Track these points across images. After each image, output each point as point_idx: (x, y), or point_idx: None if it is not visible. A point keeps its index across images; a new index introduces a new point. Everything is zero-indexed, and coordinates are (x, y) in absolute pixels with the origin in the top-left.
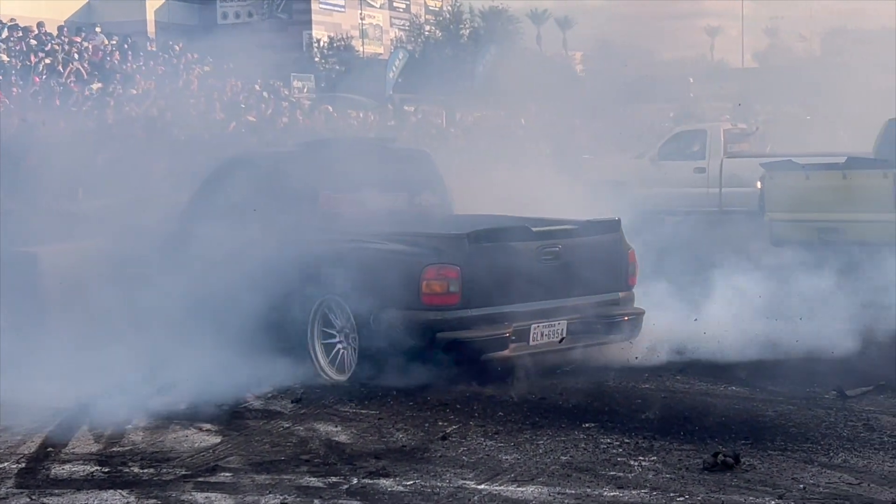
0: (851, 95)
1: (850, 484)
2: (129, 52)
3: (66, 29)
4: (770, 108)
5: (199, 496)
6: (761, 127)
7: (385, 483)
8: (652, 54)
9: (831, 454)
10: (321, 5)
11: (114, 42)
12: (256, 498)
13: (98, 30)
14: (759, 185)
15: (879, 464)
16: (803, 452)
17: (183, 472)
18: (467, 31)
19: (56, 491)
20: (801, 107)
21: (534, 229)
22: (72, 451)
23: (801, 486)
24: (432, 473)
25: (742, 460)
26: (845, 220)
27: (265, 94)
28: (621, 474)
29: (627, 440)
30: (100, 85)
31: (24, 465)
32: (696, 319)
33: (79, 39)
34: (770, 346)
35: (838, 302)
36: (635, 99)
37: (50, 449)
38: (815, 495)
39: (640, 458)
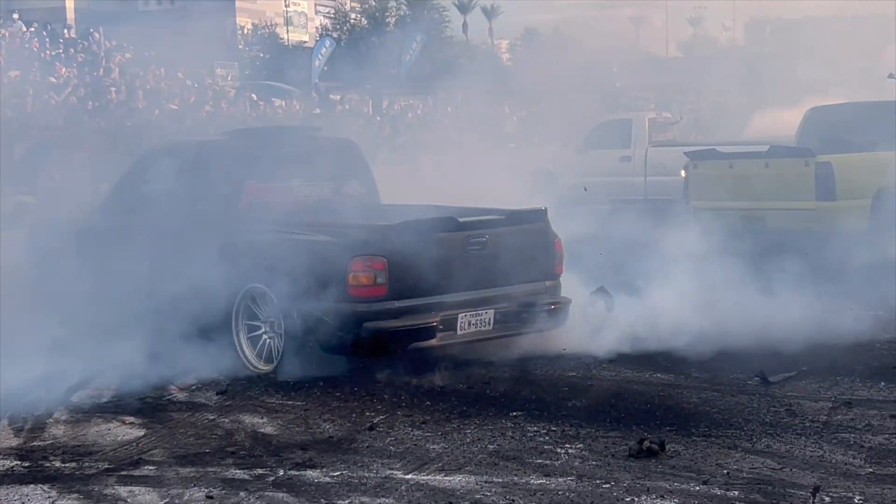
0: (774, 84)
1: (772, 469)
2: (48, 40)
3: None
4: (693, 98)
5: (123, 490)
6: (685, 116)
7: (312, 474)
8: (578, 44)
9: (754, 440)
10: None
11: (32, 29)
12: (181, 491)
13: (16, 17)
14: (683, 173)
15: (801, 449)
16: (727, 438)
17: (106, 466)
18: (393, 19)
19: None
20: (726, 96)
21: (460, 219)
22: None
23: (725, 471)
24: (359, 464)
25: (667, 447)
26: (768, 208)
27: (188, 82)
28: (548, 462)
29: (554, 428)
30: (17, 73)
31: None
32: (620, 308)
33: None
34: (695, 334)
35: (762, 290)
36: (561, 88)
37: None
38: (738, 480)
39: (567, 445)
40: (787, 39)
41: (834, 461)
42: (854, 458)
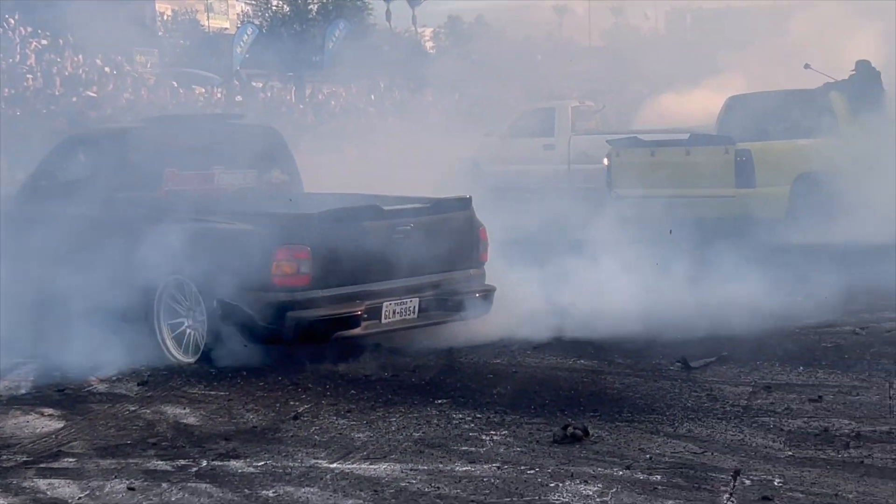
0: (696, 73)
1: (694, 453)
2: None
3: None
4: (617, 87)
5: (42, 482)
6: (608, 105)
7: (235, 465)
8: (501, 33)
9: (676, 424)
10: None
11: None
12: (101, 483)
13: None
14: (605, 161)
15: (722, 433)
16: (649, 423)
17: (24, 459)
18: (315, 6)
19: None
20: (647, 85)
21: (385, 208)
22: None
23: (648, 456)
24: (284, 454)
25: (591, 432)
26: (689, 195)
27: (107, 69)
28: (473, 449)
29: (479, 415)
30: None
31: None
32: (545, 295)
33: None
34: (618, 321)
35: (684, 276)
36: (485, 76)
37: None
38: (660, 465)
39: (492, 432)
40: (709, 28)
41: (754, 445)
42: (773, 441)
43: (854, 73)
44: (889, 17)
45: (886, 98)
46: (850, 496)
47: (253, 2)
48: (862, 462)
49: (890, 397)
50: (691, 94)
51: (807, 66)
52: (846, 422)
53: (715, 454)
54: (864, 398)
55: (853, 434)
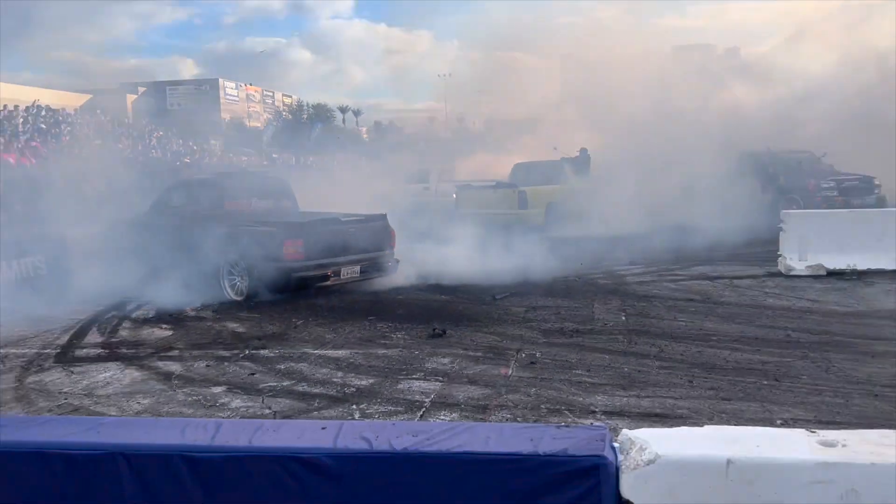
0: (498, 152)
1: (498, 340)
2: None
3: None
4: (461, 155)
5: (160, 363)
6: (456, 166)
7: (263, 352)
8: (403, 129)
9: (490, 326)
10: (227, 98)
11: None
12: (192, 363)
13: None
14: (455, 196)
15: (511, 330)
16: (476, 327)
17: (150, 351)
18: (305, 115)
19: (78, 365)
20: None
21: (342, 219)
22: (87, 342)
23: (475, 342)
24: (289, 346)
25: (447, 332)
26: (496, 213)
27: (195, 146)
28: (387, 341)
29: (390, 324)
30: None
31: (58, 350)
32: (423, 260)
33: None
34: (461, 275)
35: (495, 252)
36: (394, 153)
37: (74, 341)
38: (481, 347)
39: (397, 333)
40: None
41: (527, 336)
42: (537, 334)
43: (578, 154)
44: (602, 126)
45: (591, 166)
46: (574, 360)
47: (272, 111)
48: (579, 344)
49: (592, 311)
50: (497, 160)
51: (555, 149)
52: (571, 324)
53: (508, 341)
54: (580, 312)
55: (574, 330)
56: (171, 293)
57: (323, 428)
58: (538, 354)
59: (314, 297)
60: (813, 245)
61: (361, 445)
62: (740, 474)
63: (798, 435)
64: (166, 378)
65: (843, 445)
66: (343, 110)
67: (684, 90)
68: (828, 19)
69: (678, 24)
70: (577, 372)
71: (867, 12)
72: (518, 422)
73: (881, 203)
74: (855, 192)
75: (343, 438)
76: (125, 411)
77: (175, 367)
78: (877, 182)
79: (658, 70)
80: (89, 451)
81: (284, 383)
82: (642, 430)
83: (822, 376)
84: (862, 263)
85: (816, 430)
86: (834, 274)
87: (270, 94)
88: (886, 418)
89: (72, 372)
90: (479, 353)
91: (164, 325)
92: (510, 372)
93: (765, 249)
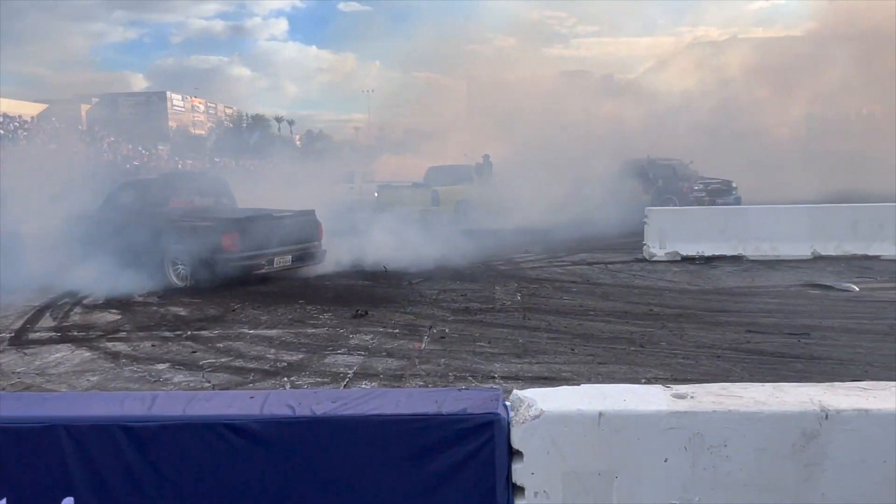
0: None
1: (413, 319)
2: None
3: None
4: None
5: (109, 345)
6: (375, 170)
7: (204, 333)
8: (332, 137)
9: (406, 307)
10: (174, 108)
11: None
12: (138, 343)
13: None
14: (376, 194)
15: (425, 310)
16: (395, 307)
17: (100, 333)
18: (245, 124)
19: (31, 347)
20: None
21: (274, 214)
22: (40, 326)
23: (393, 322)
24: (227, 327)
25: (369, 313)
26: (413, 209)
27: (144, 151)
28: (316, 322)
29: (319, 306)
30: None
31: (13, 334)
32: (348, 249)
33: None
34: (382, 261)
35: (413, 241)
36: (323, 158)
37: (28, 325)
38: (399, 325)
39: (325, 314)
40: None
41: (438, 315)
42: (446, 313)
43: (482, 160)
44: (504, 136)
45: (493, 170)
46: (477, 334)
47: (215, 120)
48: (481, 320)
49: (493, 293)
50: (413, 163)
51: (465, 154)
52: (475, 304)
53: (421, 319)
54: (483, 294)
55: (478, 309)
56: (119, 281)
57: (251, 397)
58: (447, 330)
59: (251, 283)
60: (670, 236)
61: (286, 412)
62: (609, 424)
63: (656, 390)
64: (114, 357)
65: (691, 397)
66: (279, 120)
67: (571, 107)
68: (684, 53)
69: (565, 53)
70: (480, 344)
71: (715, 49)
72: (428, 387)
73: (738, 201)
74: (718, 193)
75: (269, 406)
76: (74, 388)
77: (122, 347)
78: (734, 184)
79: (548, 90)
80: (33, 424)
81: (223, 360)
82: (530, 390)
83: (677, 342)
84: (708, 250)
85: (671, 386)
86: (687, 259)
87: (213, 105)
88: (726, 374)
89: (25, 353)
90: (397, 331)
91: (113, 311)
92: (423, 346)
93: (635, 240)
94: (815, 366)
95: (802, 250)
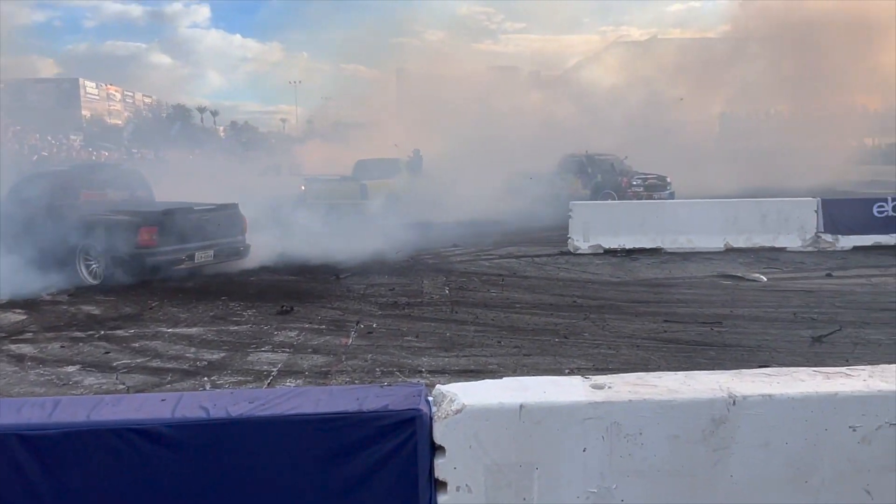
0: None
1: (340, 315)
2: None
3: None
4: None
5: (13, 346)
6: (303, 163)
7: (118, 332)
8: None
9: (333, 302)
10: (88, 96)
11: None
12: (46, 345)
13: None
14: (303, 187)
15: (352, 305)
16: (321, 303)
17: (2, 335)
18: (165, 114)
19: None
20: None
21: (195, 208)
22: None
23: (320, 317)
24: (144, 326)
25: (294, 308)
26: (342, 202)
27: (52, 140)
28: (239, 318)
29: (242, 303)
30: None
31: None
32: (271, 245)
33: None
34: (306, 256)
35: (339, 235)
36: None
37: None
38: (325, 321)
39: (248, 311)
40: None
41: (366, 310)
42: (374, 308)
43: (412, 154)
44: (434, 129)
45: (422, 165)
46: (405, 329)
47: (133, 110)
48: (409, 314)
49: (422, 287)
50: (341, 156)
51: (395, 145)
52: (404, 298)
53: (349, 315)
54: (411, 288)
55: (406, 303)
56: (25, 279)
57: (162, 400)
58: (375, 325)
59: (170, 280)
60: (593, 229)
61: (199, 414)
62: (530, 416)
63: (576, 381)
64: (18, 360)
65: (609, 387)
66: (201, 110)
67: (502, 102)
68: (608, 52)
69: (493, 49)
70: (407, 338)
71: (637, 48)
72: (356, 384)
73: (672, 196)
74: (655, 188)
75: (182, 409)
76: None
77: (28, 349)
78: (669, 179)
79: (479, 85)
80: None
81: (138, 360)
82: (453, 384)
83: (600, 333)
84: (629, 243)
85: (590, 376)
86: (609, 252)
87: (131, 94)
88: (645, 363)
89: None
90: (323, 326)
91: (18, 310)
92: (350, 341)
93: (561, 234)
94: (727, 353)
95: (716, 243)
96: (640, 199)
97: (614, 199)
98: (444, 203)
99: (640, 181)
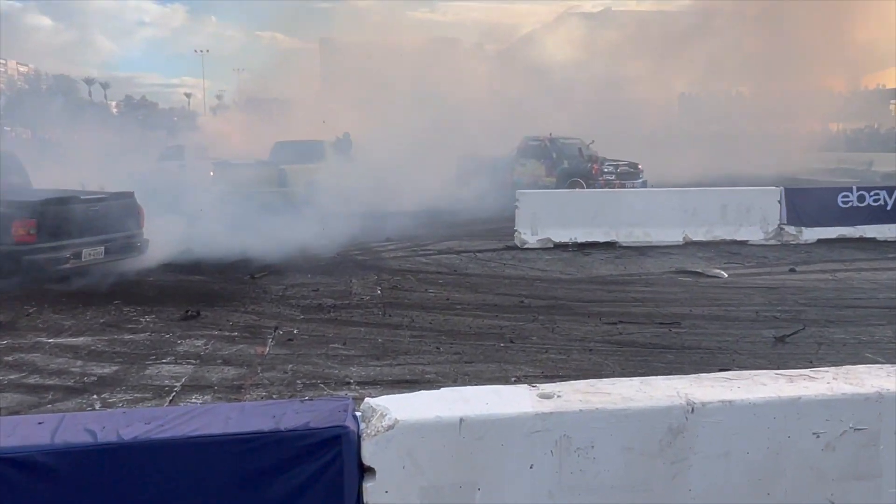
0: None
1: (256, 319)
2: None
3: None
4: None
5: None
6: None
7: None
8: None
9: (247, 305)
10: None
11: None
12: None
13: None
14: (212, 173)
15: (269, 308)
16: (232, 306)
17: None
18: (45, 86)
19: None
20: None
21: (82, 197)
22: None
23: (231, 323)
24: (19, 336)
25: (201, 313)
26: (256, 190)
27: None
28: (135, 325)
29: (139, 307)
30: None
31: None
32: (177, 239)
33: None
34: (217, 254)
35: (256, 229)
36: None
37: None
38: (238, 327)
39: (147, 316)
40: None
41: (285, 314)
42: (295, 311)
43: (342, 136)
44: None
45: (351, 149)
46: (331, 335)
47: (5, 80)
48: (336, 318)
49: (350, 287)
50: (256, 137)
51: (324, 122)
52: (329, 300)
53: (265, 320)
54: (338, 288)
55: (332, 305)
56: None
57: (40, 423)
58: (296, 331)
59: (51, 282)
60: (542, 221)
61: (84, 438)
62: (471, 431)
63: (522, 390)
64: None
65: (559, 396)
66: (89, 82)
67: (445, 78)
68: (559, 23)
69: (431, 17)
70: (333, 346)
71: (595, 21)
72: (273, 399)
73: (645, 185)
74: (627, 176)
75: (63, 433)
76: None
77: None
78: (640, 167)
79: (416, 58)
80: None
81: (12, 376)
82: (384, 397)
83: (549, 336)
84: (581, 237)
85: (538, 385)
86: (559, 246)
87: (3, 62)
88: (598, 369)
89: None
90: (236, 333)
91: None
92: (267, 350)
93: (507, 225)
94: (686, 356)
95: (674, 236)
96: (612, 187)
97: (583, 189)
98: (382, 192)
99: (611, 168)
